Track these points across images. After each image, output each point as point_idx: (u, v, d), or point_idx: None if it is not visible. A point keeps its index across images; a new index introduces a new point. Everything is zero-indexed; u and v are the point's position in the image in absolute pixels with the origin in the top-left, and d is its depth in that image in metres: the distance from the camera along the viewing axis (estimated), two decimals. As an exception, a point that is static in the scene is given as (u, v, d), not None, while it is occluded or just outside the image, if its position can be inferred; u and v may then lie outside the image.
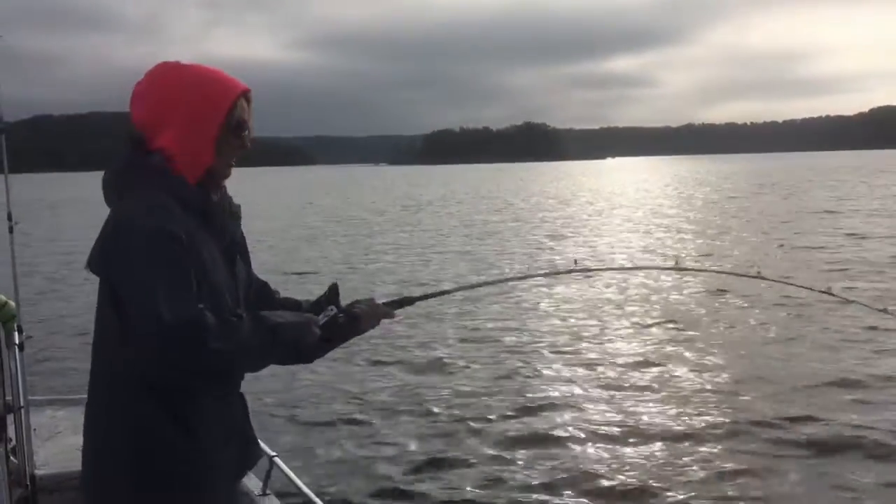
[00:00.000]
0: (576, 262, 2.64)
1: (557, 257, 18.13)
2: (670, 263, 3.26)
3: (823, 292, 2.91)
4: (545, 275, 2.86)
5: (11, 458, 3.35)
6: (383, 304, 2.20)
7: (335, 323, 2.05)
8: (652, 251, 18.84)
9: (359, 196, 56.56)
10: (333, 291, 2.15)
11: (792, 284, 4.14)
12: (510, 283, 10.57)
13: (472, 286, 2.51)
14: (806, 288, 2.91)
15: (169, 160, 1.88)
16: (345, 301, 2.14)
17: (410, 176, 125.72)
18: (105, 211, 1.91)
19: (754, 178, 69.45)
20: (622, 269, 3.25)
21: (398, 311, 2.22)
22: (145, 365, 1.74)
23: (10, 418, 3.37)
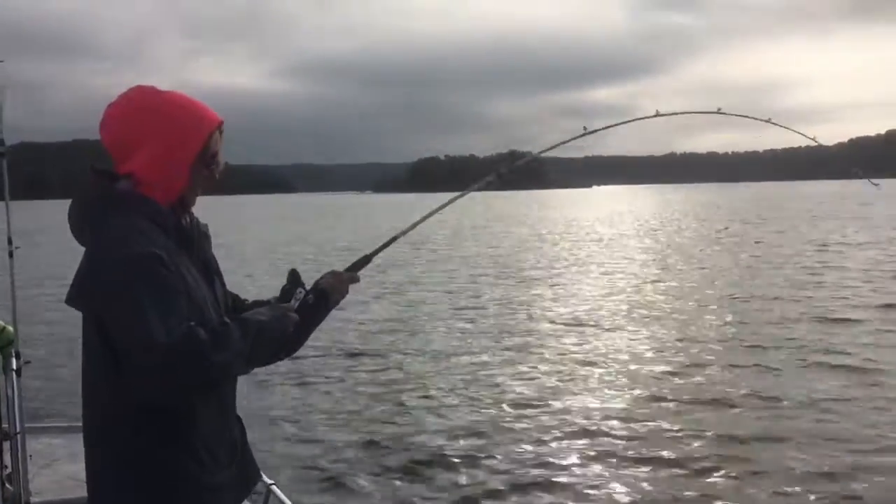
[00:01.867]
0: (512, 151, 2.70)
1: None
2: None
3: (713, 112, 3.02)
4: (478, 189, 2.92)
5: (7, 485, 3.32)
6: (345, 270, 2.27)
7: (307, 304, 2.10)
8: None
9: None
10: (295, 276, 2.18)
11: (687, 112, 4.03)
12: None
13: (420, 221, 2.52)
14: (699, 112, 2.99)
15: (138, 184, 1.89)
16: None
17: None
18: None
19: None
20: (541, 152, 3.28)
21: (361, 273, 2.29)
22: (145, 391, 1.73)
23: (6, 445, 3.34)
